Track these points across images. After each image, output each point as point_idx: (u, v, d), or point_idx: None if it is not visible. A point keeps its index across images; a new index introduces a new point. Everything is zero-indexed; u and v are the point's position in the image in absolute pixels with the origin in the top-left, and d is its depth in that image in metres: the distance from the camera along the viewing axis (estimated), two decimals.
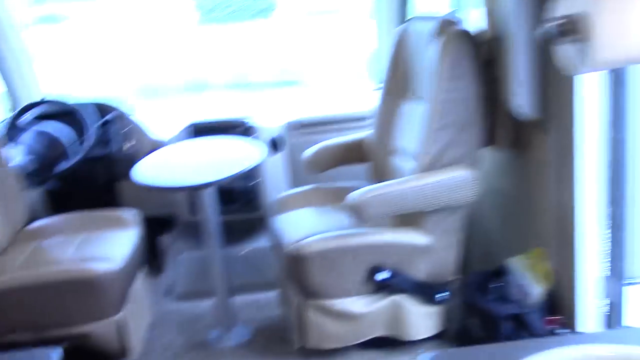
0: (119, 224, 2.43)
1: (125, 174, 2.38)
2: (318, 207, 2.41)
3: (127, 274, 2.21)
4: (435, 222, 2.10)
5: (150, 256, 2.76)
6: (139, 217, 2.50)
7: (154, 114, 3.18)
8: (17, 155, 2.76)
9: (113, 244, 2.26)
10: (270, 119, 2.99)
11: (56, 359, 1.32)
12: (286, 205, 2.45)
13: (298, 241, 2.11)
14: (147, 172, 2.26)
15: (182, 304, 2.73)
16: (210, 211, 2.31)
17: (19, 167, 2.60)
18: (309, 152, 2.56)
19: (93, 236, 2.34)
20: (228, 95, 3.67)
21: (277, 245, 2.32)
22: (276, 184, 2.91)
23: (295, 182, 2.94)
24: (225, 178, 2.11)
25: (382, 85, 2.45)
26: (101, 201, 3.01)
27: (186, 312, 2.66)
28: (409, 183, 2.04)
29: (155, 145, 2.86)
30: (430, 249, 2.10)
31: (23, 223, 2.48)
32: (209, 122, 2.94)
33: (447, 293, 2.16)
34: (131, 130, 2.89)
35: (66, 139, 2.68)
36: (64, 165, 2.62)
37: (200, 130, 2.86)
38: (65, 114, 2.83)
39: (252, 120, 2.90)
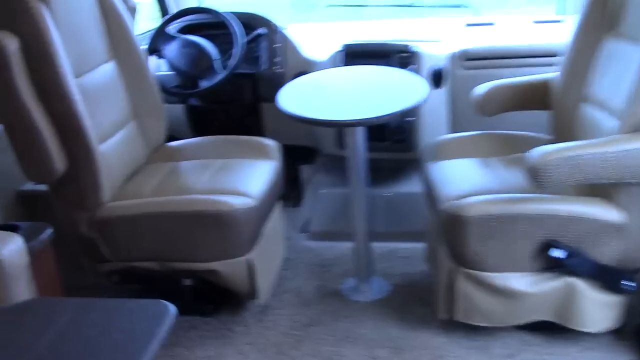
0: (260, 153, 2.23)
1: (271, 96, 2.18)
2: (485, 159, 2.05)
3: (262, 211, 2.01)
4: (633, 196, 1.67)
5: (288, 187, 2.56)
6: (280, 147, 2.28)
7: (307, 32, 2.90)
8: (161, 66, 2.63)
9: (251, 177, 2.06)
10: (434, 48, 2.60)
11: (171, 313, 1.14)
12: (446, 151, 2.10)
13: (458, 199, 1.78)
14: (292, 98, 2.01)
15: (316, 244, 2.53)
16: (358, 147, 2.02)
17: (162, 79, 2.47)
18: (479, 90, 2.16)
19: (231, 165, 2.15)
20: (388, 16, 3.26)
21: (430, 196, 2.01)
22: (434, 124, 2.55)
23: (456, 125, 2.57)
24: (379, 117, 1.80)
25: (579, 15, 1.98)
26: (243, 123, 2.85)
27: (321, 253, 2.46)
28: (611, 146, 1.61)
29: (306, 68, 2.60)
30: (622, 227, 1.68)
31: (162, 140, 2.35)
32: (365, 45, 2.61)
33: (635, 282, 1.75)
34: (281, 48, 2.64)
35: (213, 53, 2.48)
36: (208, 82, 2.43)
37: (355, 54, 2.54)
38: (215, 25, 2.63)
39: (413, 47, 2.53)
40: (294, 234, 2.61)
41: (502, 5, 4.05)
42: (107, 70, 2.10)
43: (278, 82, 2.60)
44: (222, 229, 1.86)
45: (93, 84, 2.00)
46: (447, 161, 2.05)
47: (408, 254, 2.38)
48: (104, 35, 2.11)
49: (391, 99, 1.92)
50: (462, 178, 1.92)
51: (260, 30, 2.54)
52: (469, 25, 2.87)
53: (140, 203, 1.94)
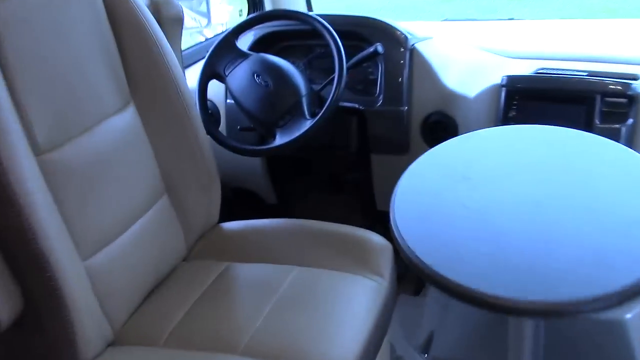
0: (363, 262, 1.36)
1: (387, 146, 1.59)
2: None
3: None
4: None
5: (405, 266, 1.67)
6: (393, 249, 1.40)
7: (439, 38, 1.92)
8: (220, 96, 1.80)
9: (341, 321, 1.20)
10: None
11: None
12: None
13: None
14: (416, 205, 1.11)
15: None
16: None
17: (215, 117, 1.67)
18: None
19: (311, 287, 1.29)
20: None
21: None
22: None
23: None
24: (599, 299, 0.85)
25: None
26: (343, 181, 1.98)
27: None
28: None
29: (444, 106, 1.67)
30: None
31: (215, 219, 1.54)
32: (544, 79, 1.58)
33: None
34: (409, 73, 1.71)
35: (301, 85, 1.60)
36: (288, 135, 1.53)
37: (525, 93, 1.56)
38: (298, 35, 1.80)
39: (636, 84, 1.50)
40: (409, 353, 1.73)
41: None
42: (119, 123, 1.28)
43: (399, 125, 1.70)
44: None
45: (87, 153, 1.19)
46: None
47: None
48: (116, 66, 1.29)
49: (612, 233, 0.95)
50: None
51: (378, 47, 1.62)
52: None
53: None
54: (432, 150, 1.28)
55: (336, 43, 1.54)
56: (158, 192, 1.39)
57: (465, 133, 1.63)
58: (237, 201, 2.12)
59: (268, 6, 2.36)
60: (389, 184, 1.84)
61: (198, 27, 2.28)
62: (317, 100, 1.64)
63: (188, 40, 2.39)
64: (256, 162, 1.91)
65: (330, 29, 1.55)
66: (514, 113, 1.53)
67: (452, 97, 1.67)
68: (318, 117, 1.50)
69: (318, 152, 1.84)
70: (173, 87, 1.37)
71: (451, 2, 6.18)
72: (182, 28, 1.49)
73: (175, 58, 1.38)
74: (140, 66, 1.33)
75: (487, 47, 1.83)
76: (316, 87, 1.69)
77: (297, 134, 1.51)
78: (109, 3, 1.27)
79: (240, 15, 2.41)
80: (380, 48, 1.61)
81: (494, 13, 4.88)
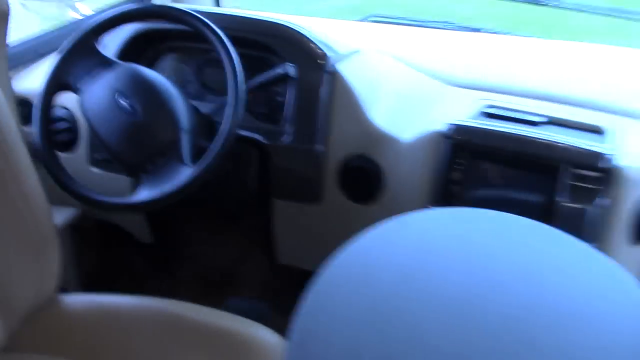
0: None
1: (293, 192, 1.27)
2: None
3: None
4: None
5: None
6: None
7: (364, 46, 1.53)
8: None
9: None
10: None
11: None
12: None
13: None
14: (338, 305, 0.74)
15: None
16: None
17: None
18: None
19: None
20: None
21: None
22: None
23: None
24: None
25: None
26: (237, 231, 1.60)
27: None
28: None
29: (368, 149, 1.30)
30: None
31: (51, 288, 1.12)
32: (498, 135, 1.18)
33: None
34: (328, 99, 1.32)
35: (181, 114, 1.17)
36: (155, 189, 1.10)
37: (475, 150, 1.19)
38: (190, 38, 1.34)
39: (606, 151, 1.17)
40: None
41: None
42: None
43: (311, 168, 1.32)
44: None
45: None
46: None
47: None
48: None
49: None
50: None
51: (289, 69, 1.22)
52: None
53: None
54: (346, 252, 0.89)
55: (230, 57, 1.13)
56: None
57: (392, 186, 1.28)
58: (100, 237, 1.70)
59: None
60: (295, 235, 1.48)
61: None
62: (205, 129, 1.23)
63: (51, 17, 1.90)
64: (125, 189, 1.48)
65: (221, 34, 1.14)
66: (458, 175, 1.18)
67: (379, 137, 1.29)
68: (201, 167, 1.09)
69: (205, 186, 1.44)
70: None
71: None
72: (7, 24, 1.03)
73: None
74: None
75: (424, 66, 1.47)
76: (206, 108, 1.28)
77: (168, 187, 1.09)
78: None
79: None
80: (290, 70, 1.21)
81: (430, 13, 4.50)
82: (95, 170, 1.44)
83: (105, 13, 1.22)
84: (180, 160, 1.12)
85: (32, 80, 1.49)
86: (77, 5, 1.90)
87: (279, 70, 1.20)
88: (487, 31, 1.81)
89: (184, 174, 1.09)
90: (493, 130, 1.18)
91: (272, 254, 1.50)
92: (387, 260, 0.85)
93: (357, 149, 1.31)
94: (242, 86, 1.12)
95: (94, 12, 1.81)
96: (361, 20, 2.04)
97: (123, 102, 1.13)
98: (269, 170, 1.35)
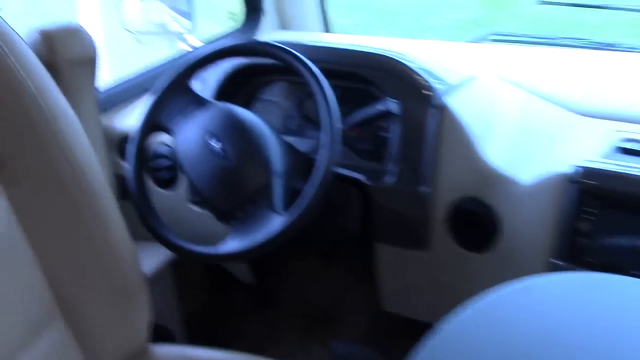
0: None
1: (397, 235, 1.15)
2: None
3: None
4: None
5: None
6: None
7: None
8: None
9: None
10: None
11: None
12: None
13: None
14: None
15: None
16: None
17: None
18: None
19: None
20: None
21: None
22: None
23: None
24: None
25: None
26: (338, 274, 1.50)
27: None
28: None
29: (481, 192, 1.16)
30: None
31: (143, 338, 1.08)
32: None
33: None
34: (435, 138, 1.19)
35: (275, 159, 1.09)
36: (246, 238, 1.02)
37: (622, 201, 1.01)
38: (290, 71, 1.27)
39: None
40: None
41: None
42: None
43: (418, 212, 1.20)
44: None
45: None
46: None
47: None
48: None
49: None
50: None
51: (391, 106, 1.10)
52: None
53: None
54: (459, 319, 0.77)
55: (323, 93, 1.04)
56: (46, 316, 0.93)
57: (509, 233, 1.13)
58: (202, 276, 1.67)
59: (268, 7, 1.86)
60: (400, 281, 1.36)
61: (179, 31, 1.78)
62: (302, 169, 1.15)
63: (163, 49, 1.91)
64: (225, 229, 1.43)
65: (314, 69, 1.05)
66: (586, 225, 1.01)
67: (494, 178, 1.15)
68: (293, 216, 1.00)
69: (306, 236, 1.35)
70: (62, 156, 0.89)
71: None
72: (95, 68, 1.01)
73: (70, 114, 0.89)
74: (9, 132, 0.85)
75: (549, 92, 1.30)
76: (305, 145, 1.20)
77: (259, 237, 1.01)
78: None
79: (231, 19, 1.91)
80: (392, 106, 1.10)
81: (557, 21, 4.15)
82: (195, 209, 1.40)
83: (197, 51, 1.17)
84: (271, 207, 1.04)
85: (136, 117, 1.49)
86: (186, 36, 1.90)
87: (379, 107, 1.10)
88: (624, 48, 1.59)
89: (275, 223, 1.01)
90: (630, 174, 1.00)
91: (376, 300, 1.39)
92: (513, 325, 0.72)
93: (468, 191, 1.17)
94: (338, 125, 1.02)
95: (202, 44, 1.80)
96: (479, 41, 1.88)
97: (215, 145, 1.08)
98: (371, 212, 1.25)
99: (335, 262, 1.60)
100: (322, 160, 1.00)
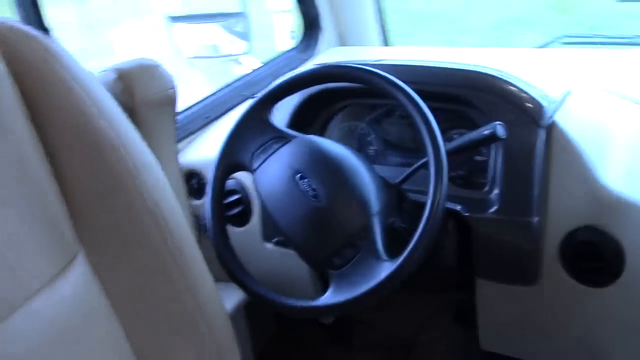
0: None
1: (502, 271, 1.03)
2: None
3: None
4: None
5: None
6: None
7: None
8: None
9: None
10: None
11: None
12: None
13: None
14: None
15: None
16: None
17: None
18: None
19: None
20: None
21: None
22: None
23: None
24: None
25: None
26: (434, 308, 1.38)
27: None
28: None
29: (598, 219, 1.03)
30: None
31: None
32: None
33: None
34: (544, 162, 1.06)
35: (372, 195, 0.97)
36: (346, 291, 0.90)
37: None
38: (364, 94, 1.14)
39: None
40: None
41: None
42: (57, 296, 0.71)
43: (525, 244, 1.07)
44: None
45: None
46: None
47: None
48: (45, 198, 0.71)
49: None
50: None
51: (498, 129, 0.98)
52: None
53: None
54: None
55: (427, 123, 0.92)
56: None
57: (635, 265, 1.00)
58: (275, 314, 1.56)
59: (326, 24, 1.76)
60: (502, 320, 1.23)
61: (235, 53, 1.69)
62: (394, 202, 1.03)
63: (215, 73, 1.82)
64: (302, 266, 1.32)
65: (418, 99, 0.94)
66: None
67: (614, 204, 1.01)
68: (402, 258, 0.89)
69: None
70: (147, 212, 0.79)
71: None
72: (174, 108, 0.91)
73: (153, 163, 0.80)
74: (89, 187, 0.76)
75: None
76: (391, 173, 1.08)
77: (363, 287, 0.89)
78: (25, 86, 0.70)
79: (292, 38, 1.81)
80: (501, 130, 0.98)
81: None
82: (269, 246, 1.30)
83: (276, 81, 1.07)
84: (373, 252, 0.92)
85: (200, 150, 1.39)
86: (241, 59, 1.81)
87: (485, 132, 0.98)
88: None
89: (381, 269, 0.90)
90: None
91: (475, 338, 1.26)
92: None
93: (585, 220, 1.04)
94: (444, 156, 0.91)
95: (260, 65, 1.71)
96: (547, 46, 1.75)
97: (303, 184, 0.97)
98: (471, 245, 1.12)
99: (434, 299, 1.48)
100: (433, 198, 0.88)
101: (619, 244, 1.02)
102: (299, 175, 0.97)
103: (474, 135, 1.00)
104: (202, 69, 1.98)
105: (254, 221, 1.31)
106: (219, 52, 1.76)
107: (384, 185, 1.03)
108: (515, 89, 1.06)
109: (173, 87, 0.88)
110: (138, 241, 0.80)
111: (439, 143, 0.91)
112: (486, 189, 1.13)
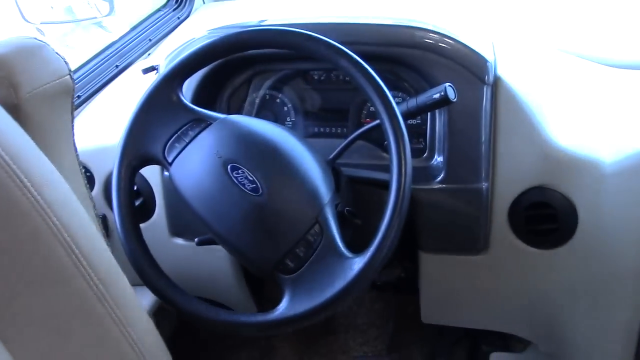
0: None
1: (444, 244, 0.97)
2: None
3: None
4: None
5: None
6: None
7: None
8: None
9: None
10: None
11: None
12: None
13: None
14: None
15: None
16: None
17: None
18: None
19: None
20: None
21: None
22: None
23: None
24: None
25: None
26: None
27: None
28: None
29: (547, 178, 0.97)
30: None
31: None
32: None
33: None
34: (490, 121, 0.97)
35: (323, 189, 0.82)
36: (319, 277, 0.77)
37: None
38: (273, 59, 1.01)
39: None
40: None
41: None
42: None
43: (474, 212, 0.99)
44: None
45: None
46: None
47: None
48: None
49: None
50: None
51: (449, 91, 0.86)
52: None
53: None
54: None
55: (383, 96, 0.78)
56: None
57: (589, 225, 0.95)
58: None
59: None
60: (445, 291, 1.16)
61: (94, 17, 1.43)
62: (336, 183, 0.90)
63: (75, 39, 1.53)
64: (225, 264, 1.15)
65: (362, 63, 0.80)
66: None
67: (565, 161, 0.96)
68: (371, 250, 0.75)
69: None
70: (58, 241, 0.58)
71: None
72: (71, 99, 0.69)
73: (56, 176, 0.59)
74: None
75: (604, 57, 1.12)
76: (324, 149, 0.94)
77: (328, 291, 0.75)
78: None
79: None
80: (451, 93, 0.87)
81: None
82: (179, 242, 1.12)
83: (184, 52, 0.87)
84: (332, 249, 0.78)
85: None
86: (105, 24, 1.54)
87: (435, 96, 0.86)
88: None
89: (345, 267, 0.76)
90: None
91: (416, 311, 1.18)
92: None
93: (535, 180, 0.97)
94: (404, 128, 0.78)
95: (129, 29, 1.46)
96: None
97: (237, 176, 0.80)
98: (413, 218, 1.02)
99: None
100: (399, 176, 0.76)
101: (572, 202, 0.96)
102: (230, 166, 0.80)
103: (422, 99, 0.88)
104: (55, 38, 1.66)
105: (158, 214, 1.12)
106: (75, 15, 1.48)
107: (326, 165, 0.89)
108: (456, 43, 0.95)
109: (69, 73, 0.66)
110: (54, 279, 0.59)
111: (397, 113, 0.78)
112: (425, 155, 1.03)
